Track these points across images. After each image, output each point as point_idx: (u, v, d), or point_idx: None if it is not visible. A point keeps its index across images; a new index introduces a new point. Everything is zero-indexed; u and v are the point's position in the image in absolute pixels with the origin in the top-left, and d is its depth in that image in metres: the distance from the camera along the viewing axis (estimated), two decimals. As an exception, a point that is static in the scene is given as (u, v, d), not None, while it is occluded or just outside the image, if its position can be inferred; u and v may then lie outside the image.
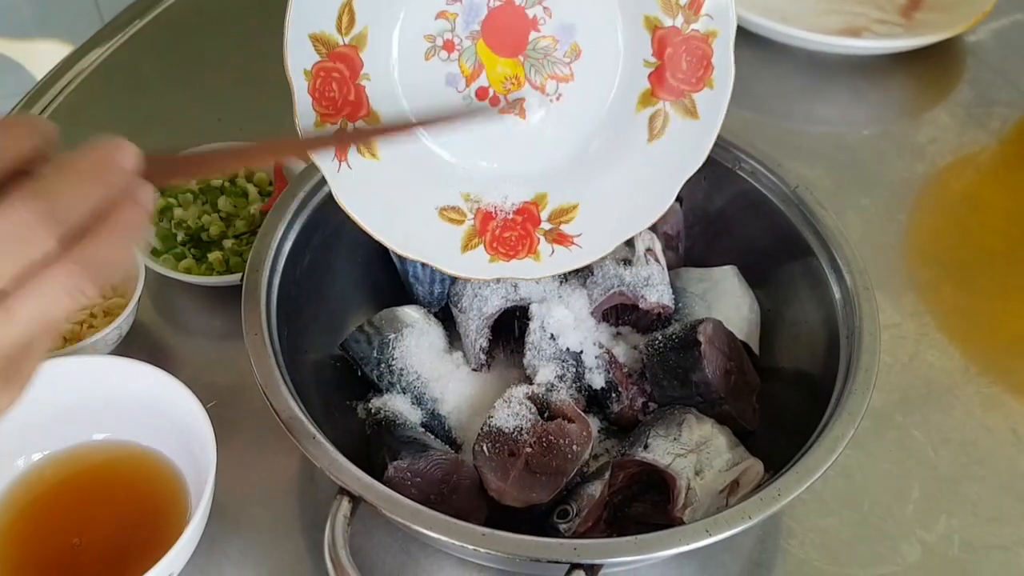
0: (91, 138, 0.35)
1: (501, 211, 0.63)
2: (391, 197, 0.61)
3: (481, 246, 0.64)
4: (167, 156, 0.40)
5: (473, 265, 0.64)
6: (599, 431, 0.65)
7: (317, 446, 0.49)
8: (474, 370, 0.67)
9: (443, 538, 0.46)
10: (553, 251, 0.64)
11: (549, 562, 0.45)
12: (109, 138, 0.35)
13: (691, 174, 0.61)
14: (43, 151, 0.34)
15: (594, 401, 0.66)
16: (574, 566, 0.46)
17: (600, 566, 0.46)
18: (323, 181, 0.65)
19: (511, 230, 0.64)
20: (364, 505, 0.47)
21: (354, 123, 0.59)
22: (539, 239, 0.64)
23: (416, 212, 0.62)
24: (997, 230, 0.88)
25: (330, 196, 0.65)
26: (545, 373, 0.63)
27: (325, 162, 0.59)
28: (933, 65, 1.07)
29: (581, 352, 0.65)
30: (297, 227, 0.63)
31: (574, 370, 0.64)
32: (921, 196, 0.91)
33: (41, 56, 1.54)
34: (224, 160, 0.48)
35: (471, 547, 0.45)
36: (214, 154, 0.44)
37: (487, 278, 0.64)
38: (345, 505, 0.46)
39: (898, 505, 0.65)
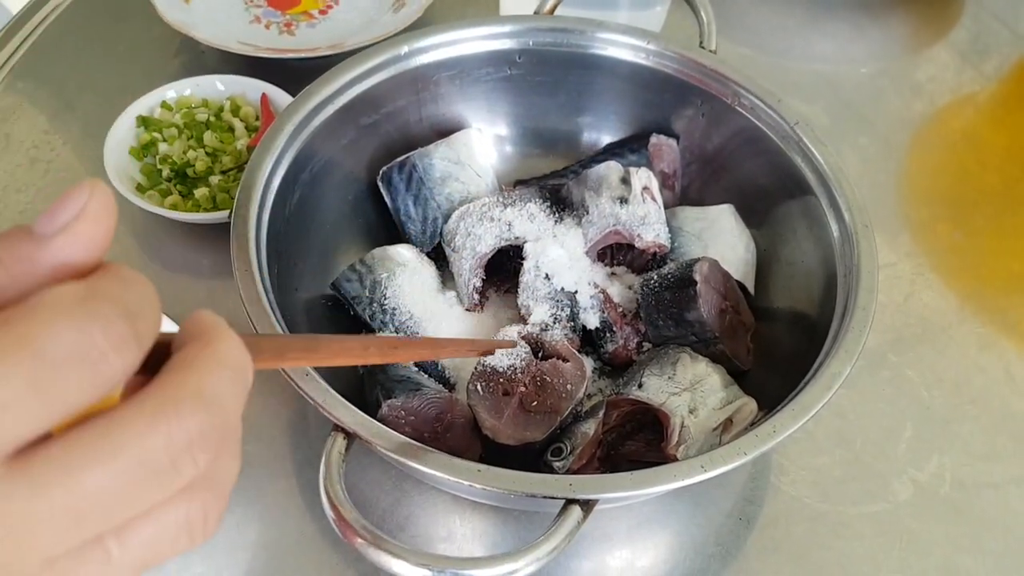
0: (187, 319, 0.25)
1: None
2: None
3: None
4: (262, 340, 0.29)
5: None
6: (593, 370, 0.65)
7: (311, 383, 0.48)
8: (467, 310, 0.67)
9: (439, 474, 0.45)
10: None
11: (545, 497, 0.45)
12: (210, 316, 0.25)
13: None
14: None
15: (588, 341, 0.66)
16: (569, 501, 0.45)
17: (595, 501, 0.46)
18: (311, 115, 0.64)
19: None
20: (358, 443, 0.47)
21: None
22: None
23: None
24: (994, 169, 0.87)
25: (319, 131, 0.64)
26: (539, 313, 0.63)
27: None
28: (933, 2, 1.05)
29: (576, 292, 0.64)
30: (286, 162, 0.62)
31: (568, 310, 0.64)
32: (919, 135, 0.90)
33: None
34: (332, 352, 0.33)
35: (467, 483, 0.45)
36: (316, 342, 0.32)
37: None
38: (340, 442, 0.46)
39: (890, 444, 0.65)
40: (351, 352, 0.35)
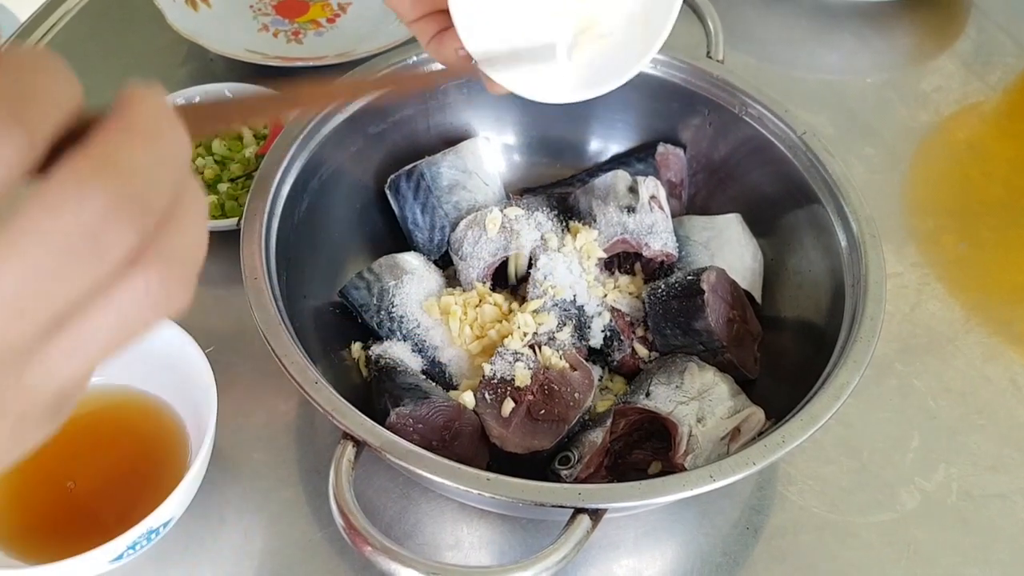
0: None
1: None
2: None
3: None
4: (201, 106, 0.29)
5: None
6: (600, 379, 0.65)
7: (320, 391, 0.48)
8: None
9: (449, 483, 0.45)
10: None
11: (554, 507, 0.45)
12: (137, 87, 0.24)
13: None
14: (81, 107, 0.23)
15: (595, 349, 0.66)
16: (578, 511, 0.45)
17: (604, 511, 0.46)
18: (320, 124, 0.64)
19: None
20: (367, 451, 0.47)
21: None
22: None
23: None
24: (999, 180, 0.87)
25: (328, 139, 0.65)
26: (546, 322, 0.63)
27: None
28: (937, 13, 1.05)
29: (583, 301, 0.64)
30: (295, 171, 0.62)
31: (576, 319, 0.64)
32: (924, 145, 0.90)
33: (25, -4, 1.50)
34: (266, 105, 0.33)
35: (476, 492, 0.45)
36: (254, 99, 0.32)
37: None
38: (349, 450, 0.46)
39: (897, 454, 0.65)
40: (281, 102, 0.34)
